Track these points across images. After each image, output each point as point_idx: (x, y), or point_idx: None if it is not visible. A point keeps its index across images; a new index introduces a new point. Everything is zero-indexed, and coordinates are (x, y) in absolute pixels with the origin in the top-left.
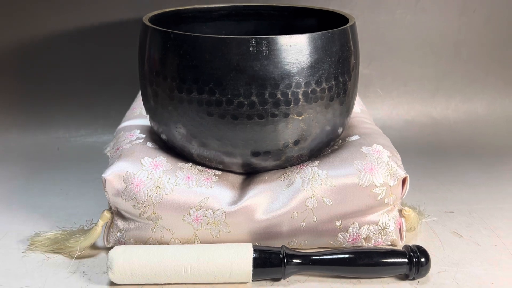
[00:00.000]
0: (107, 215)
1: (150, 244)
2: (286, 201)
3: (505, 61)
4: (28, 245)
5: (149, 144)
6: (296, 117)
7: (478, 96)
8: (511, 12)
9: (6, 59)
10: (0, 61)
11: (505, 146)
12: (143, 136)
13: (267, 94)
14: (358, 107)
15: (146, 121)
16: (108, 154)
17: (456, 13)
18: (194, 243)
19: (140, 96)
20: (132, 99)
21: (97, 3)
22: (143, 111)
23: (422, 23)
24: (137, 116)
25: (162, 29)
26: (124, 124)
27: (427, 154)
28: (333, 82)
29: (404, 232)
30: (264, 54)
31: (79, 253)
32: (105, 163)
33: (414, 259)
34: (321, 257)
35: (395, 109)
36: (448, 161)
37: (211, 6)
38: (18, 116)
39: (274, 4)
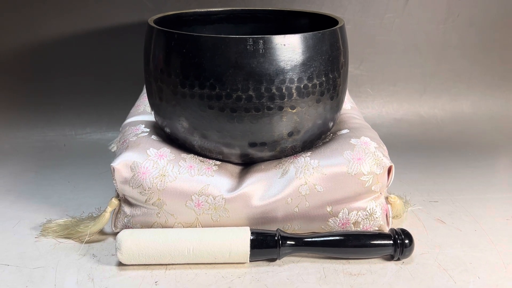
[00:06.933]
0: (115, 202)
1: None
2: (281, 188)
3: (488, 63)
4: (41, 231)
5: (153, 137)
6: (290, 110)
7: (463, 95)
8: (492, 17)
9: (17, 61)
10: (11, 62)
11: (488, 143)
12: (148, 130)
13: (263, 89)
14: (349, 104)
15: (150, 117)
16: (113, 150)
17: (441, 17)
18: (196, 227)
19: (144, 94)
20: (135, 98)
21: (102, 7)
22: (147, 108)
23: (409, 27)
24: (141, 113)
25: (166, 29)
26: (129, 120)
27: (415, 150)
28: (323, 79)
29: (390, 218)
30: (260, 52)
31: (89, 238)
32: (110, 158)
33: (398, 241)
34: (313, 239)
35: (384, 107)
36: (435, 156)
37: (211, 10)
38: (27, 114)
39: (270, 8)
